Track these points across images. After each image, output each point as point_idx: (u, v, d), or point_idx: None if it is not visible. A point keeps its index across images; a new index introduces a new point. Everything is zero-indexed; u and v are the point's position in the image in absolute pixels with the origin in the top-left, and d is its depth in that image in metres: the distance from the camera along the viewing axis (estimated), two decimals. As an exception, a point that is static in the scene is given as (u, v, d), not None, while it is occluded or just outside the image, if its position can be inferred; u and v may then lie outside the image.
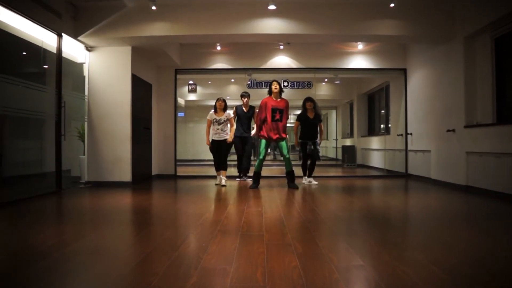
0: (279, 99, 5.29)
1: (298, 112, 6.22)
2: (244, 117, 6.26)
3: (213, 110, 5.77)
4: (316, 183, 5.86)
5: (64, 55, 5.15)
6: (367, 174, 7.91)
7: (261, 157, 5.32)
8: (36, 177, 5.36)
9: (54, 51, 5.00)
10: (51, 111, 4.96)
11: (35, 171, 5.43)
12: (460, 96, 5.23)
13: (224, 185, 5.67)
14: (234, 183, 6.11)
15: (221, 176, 5.81)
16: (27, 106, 4.56)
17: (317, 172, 6.59)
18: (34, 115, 4.79)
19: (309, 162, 5.93)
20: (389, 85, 8.13)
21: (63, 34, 5.04)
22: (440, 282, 1.74)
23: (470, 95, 5.13)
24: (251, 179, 6.32)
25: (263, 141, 5.30)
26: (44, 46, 4.87)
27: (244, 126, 6.27)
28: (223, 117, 5.74)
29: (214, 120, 5.74)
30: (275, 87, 5.25)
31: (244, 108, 6.28)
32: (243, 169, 6.44)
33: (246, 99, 6.23)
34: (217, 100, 5.76)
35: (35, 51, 4.83)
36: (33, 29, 4.60)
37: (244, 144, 6.29)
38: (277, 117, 5.23)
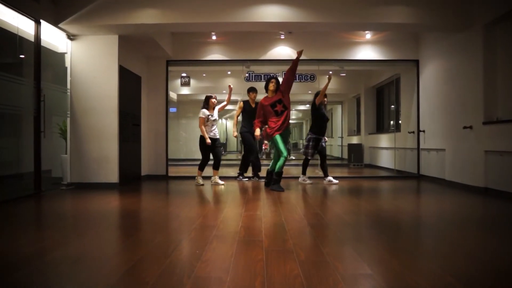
0: (273, 95, 5.39)
1: (301, 107, 6.26)
2: (252, 112, 6.36)
3: (204, 109, 5.86)
4: (337, 181, 6.16)
5: (43, 43, 5.13)
6: (375, 175, 7.92)
7: (285, 155, 5.24)
8: (12, 178, 5.35)
9: (32, 39, 4.97)
10: (29, 106, 4.94)
11: (11, 172, 5.41)
12: (479, 90, 5.23)
13: (223, 184, 5.97)
14: (233, 184, 6.10)
15: (216, 176, 6.03)
16: (1, 100, 4.53)
17: (319, 172, 6.59)
18: (10, 110, 4.77)
19: (307, 161, 6.18)
20: (400, 78, 8.14)
21: (41, 20, 5.01)
22: (455, 292, 1.74)
23: (490, 89, 5.13)
24: (261, 179, 6.42)
25: (279, 138, 5.26)
26: (20, 34, 4.83)
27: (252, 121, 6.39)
28: (215, 114, 5.92)
29: (210, 116, 5.84)
30: (272, 85, 5.34)
31: (252, 104, 6.41)
32: (256, 168, 6.53)
33: (255, 94, 6.41)
34: (211, 97, 5.88)
35: (10, 39, 4.79)
36: (6, 14, 4.56)
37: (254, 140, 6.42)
38: (281, 109, 5.26)
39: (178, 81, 9.06)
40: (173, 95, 9.57)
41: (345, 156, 11.03)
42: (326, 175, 6.20)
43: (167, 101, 7.49)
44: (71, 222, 3.58)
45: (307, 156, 6.08)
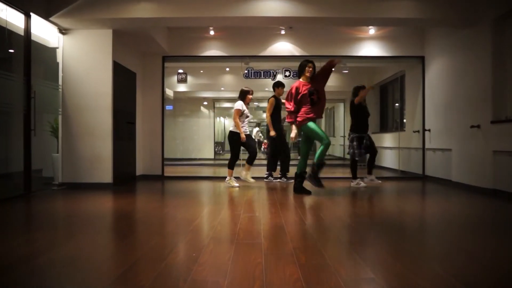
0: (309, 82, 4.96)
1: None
2: (280, 108, 6.39)
3: (240, 102, 5.77)
4: (380, 181, 5.97)
5: (33, 38, 5.10)
6: (378, 176, 7.89)
7: (327, 140, 4.76)
8: (0, 178, 5.33)
9: (22, 33, 4.95)
10: (19, 103, 4.92)
11: (-1, 171, 5.40)
12: (487, 87, 5.23)
13: (238, 186, 5.79)
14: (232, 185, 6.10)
15: (249, 172, 5.89)
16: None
17: (322, 173, 6.58)
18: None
19: (358, 158, 6.04)
20: (405, 75, 8.13)
21: (31, 13, 4.99)
22: (462, 297, 1.74)
23: (499, 86, 5.13)
24: (289, 180, 6.29)
25: (312, 124, 4.83)
26: (9, 27, 4.80)
27: (280, 118, 6.50)
28: (248, 112, 5.87)
29: (244, 112, 5.77)
30: (310, 70, 4.92)
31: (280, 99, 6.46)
32: (285, 168, 6.53)
33: (283, 89, 6.46)
34: (248, 92, 5.84)
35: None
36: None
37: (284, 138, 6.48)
38: (317, 98, 4.87)
39: (175, 78, 9.03)
40: (169, 92, 9.54)
41: (347, 156, 11.02)
42: (354, 177, 5.96)
43: (163, 99, 7.47)
44: (63, 223, 3.57)
45: (355, 157, 5.90)
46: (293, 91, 4.89)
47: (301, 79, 4.99)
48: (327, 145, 4.76)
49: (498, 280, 1.99)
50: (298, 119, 4.87)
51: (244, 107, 5.78)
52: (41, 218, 3.82)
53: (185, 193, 5.41)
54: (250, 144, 5.83)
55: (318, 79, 4.96)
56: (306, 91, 4.84)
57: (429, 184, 6.43)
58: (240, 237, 2.76)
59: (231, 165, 5.84)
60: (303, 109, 4.87)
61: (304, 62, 4.97)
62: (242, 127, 5.73)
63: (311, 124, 4.82)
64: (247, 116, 5.85)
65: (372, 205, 4.51)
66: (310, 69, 4.92)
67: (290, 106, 4.89)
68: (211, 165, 10.86)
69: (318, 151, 4.84)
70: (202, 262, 2.19)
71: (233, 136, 5.76)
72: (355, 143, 5.88)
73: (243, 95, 5.83)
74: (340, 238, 2.87)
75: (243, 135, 5.65)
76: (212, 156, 12.14)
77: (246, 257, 2.28)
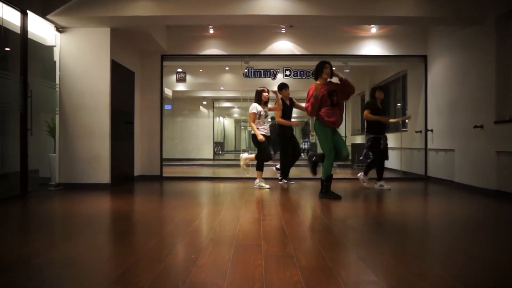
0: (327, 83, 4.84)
1: (303, 104, 6.23)
2: (289, 110, 6.34)
3: (255, 104, 5.69)
4: (389, 187, 5.78)
5: (30, 36, 5.11)
6: (381, 177, 7.91)
7: (331, 156, 4.72)
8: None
9: (18, 31, 4.95)
10: (15, 102, 4.92)
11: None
12: (491, 87, 5.23)
13: (269, 188, 5.68)
14: (231, 185, 6.10)
15: (260, 179, 5.78)
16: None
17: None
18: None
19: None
20: (407, 75, 8.14)
21: (28, 11, 4.99)
22: (464, 299, 1.74)
23: (503, 86, 5.13)
24: (290, 182, 6.27)
25: (330, 131, 4.75)
26: (5, 25, 4.81)
27: (290, 119, 6.43)
28: (266, 110, 5.80)
29: (261, 113, 5.69)
30: (327, 71, 4.75)
31: (286, 101, 6.29)
32: (287, 170, 6.47)
33: (288, 90, 6.29)
34: (263, 91, 5.73)
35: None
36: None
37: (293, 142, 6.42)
38: (336, 99, 4.74)
39: (174, 77, 9.05)
40: (168, 92, 9.56)
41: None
42: (379, 179, 5.88)
43: (162, 98, 7.47)
44: (60, 224, 3.58)
45: (361, 157, 5.92)
46: (312, 91, 4.71)
47: (318, 81, 4.82)
48: (331, 160, 4.76)
49: (498, 281, 1.99)
50: (319, 117, 4.75)
51: (260, 108, 5.66)
52: (39, 218, 3.82)
53: (184, 193, 5.42)
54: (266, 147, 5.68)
55: (339, 89, 4.82)
56: (325, 92, 4.72)
57: (431, 185, 6.44)
58: (240, 239, 2.76)
59: (260, 166, 5.78)
60: (323, 110, 4.73)
61: (322, 63, 4.80)
62: (263, 128, 5.67)
63: (325, 131, 4.73)
64: (266, 116, 5.78)
65: (374, 206, 4.51)
66: (328, 70, 4.76)
67: (307, 105, 4.75)
68: (211, 166, 10.88)
69: (323, 167, 4.80)
70: (201, 263, 2.19)
71: (255, 139, 5.64)
72: (368, 144, 5.85)
73: (259, 96, 5.72)
74: (341, 239, 2.87)
75: (260, 136, 5.51)
76: (211, 157, 12.16)
77: (246, 258, 2.28)
